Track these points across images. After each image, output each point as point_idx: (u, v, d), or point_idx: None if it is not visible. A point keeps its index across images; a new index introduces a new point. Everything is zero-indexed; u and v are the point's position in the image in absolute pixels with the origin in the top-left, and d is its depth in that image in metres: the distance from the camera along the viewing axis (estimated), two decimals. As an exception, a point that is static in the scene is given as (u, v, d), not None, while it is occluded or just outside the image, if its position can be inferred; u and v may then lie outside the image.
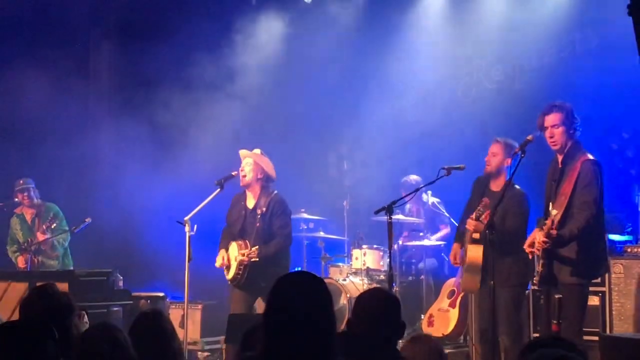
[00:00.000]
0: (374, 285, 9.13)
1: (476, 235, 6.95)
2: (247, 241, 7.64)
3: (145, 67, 10.83)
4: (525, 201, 7.09)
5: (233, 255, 7.66)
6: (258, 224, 7.71)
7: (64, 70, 10.80)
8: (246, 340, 4.01)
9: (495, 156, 7.20)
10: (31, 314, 4.09)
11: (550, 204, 6.45)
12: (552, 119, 6.51)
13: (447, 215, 9.61)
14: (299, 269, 9.69)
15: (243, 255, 7.54)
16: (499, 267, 6.54)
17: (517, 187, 7.07)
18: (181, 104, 10.85)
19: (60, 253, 9.77)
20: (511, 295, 6.85)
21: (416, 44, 10.88)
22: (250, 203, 7.86)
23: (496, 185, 7.17)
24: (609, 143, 9.15)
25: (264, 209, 7.72)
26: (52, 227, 9.56)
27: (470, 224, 6.91)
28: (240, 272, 7.60)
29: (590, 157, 6.43)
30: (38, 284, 7.09)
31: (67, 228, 9.75)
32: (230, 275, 7.70)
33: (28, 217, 9.88)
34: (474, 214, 6.89)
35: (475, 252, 6.97)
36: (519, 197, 7.04)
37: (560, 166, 6.53)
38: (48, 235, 9.57)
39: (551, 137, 6.49)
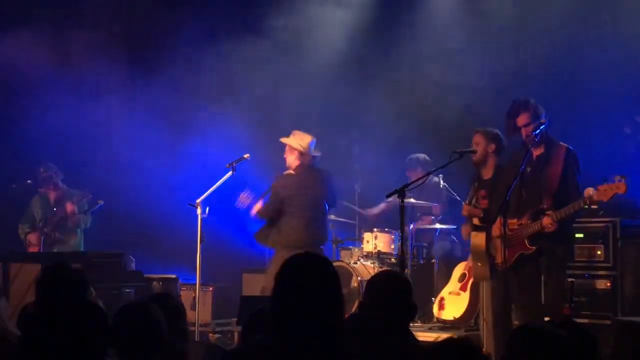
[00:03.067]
0: (385, 268, 9.15)
1: (476, 221, 7.11)
2: None
3: (161, 45, 10.81)
4: None
5: None
6: None
7: (72, 42, 10.71)
8: (251, 324, 4.02)
9: (477, 145, 7.35)
10: (47, 293, 4.11)
11: (523, 191, 6.72)
12: (522, 119, 6.78)
13: (446, 196, 9.73)
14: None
15: None
16: None
17: None
18: (196, 85, 10.83)
19: (79, 234, 9.84)
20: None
21: (427, 29, 10.82)
22: None
23: (485, 173, 7.34)
24: (623, 127, 9.11)
25: None
26: (82, 201, 9.64)
27: (465, 209, 7.08)
28: None
29: (566, 145, 6.78)
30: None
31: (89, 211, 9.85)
32: None
33: (51, 197, 9.94)
34: (467, 198, 7.06)
35: (478, 239, 7.02)
36: None
37: (537, 155, 6.78)
38: (76, 209, 9.65)
39: (527, 136, 6.73)
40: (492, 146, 7.35)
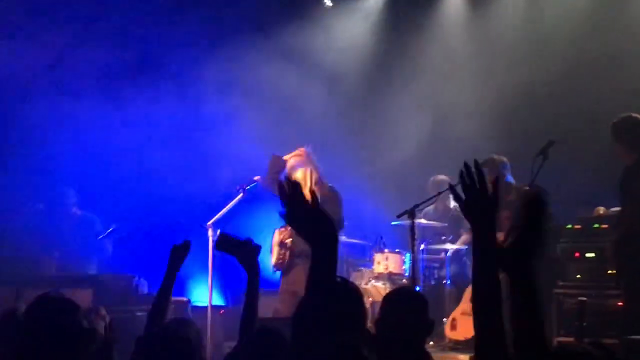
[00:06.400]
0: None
1: None
2: None
3: (168, 61, 10.86)
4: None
5: None
6: None
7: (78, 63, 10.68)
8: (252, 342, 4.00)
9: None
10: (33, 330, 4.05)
11: None
12: None
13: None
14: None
15: None
16: None
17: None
18: (206, 102, 10.83)
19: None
20: None
21: (435, 52, 10.88)
22: None
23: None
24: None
25: None
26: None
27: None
28: None
29: None
30: (63, 290, 7.19)
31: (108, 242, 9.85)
32: None
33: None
34: None
35: None
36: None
37: None
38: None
39: None
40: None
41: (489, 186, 2.57)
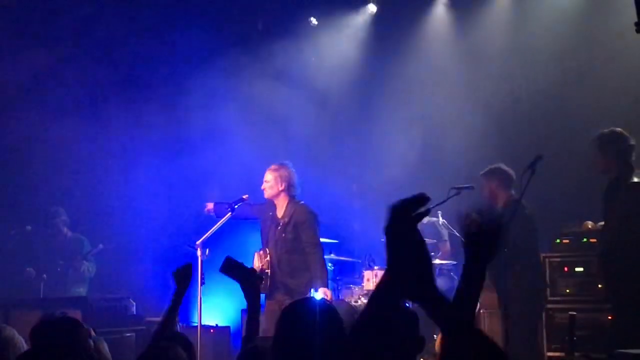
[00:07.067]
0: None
1: None
2: None
3: (158, 80, 10.85)
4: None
5: None
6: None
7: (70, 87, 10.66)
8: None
9: (483, 189, 7.50)
10: (40, 346, 4.02)
11: None
12: None
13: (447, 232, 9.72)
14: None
15: None
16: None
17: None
18: (194, 123, 10.82)
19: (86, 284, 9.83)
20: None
21: (421, 70, 10.90)
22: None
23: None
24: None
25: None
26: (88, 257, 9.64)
27: None
28: None
29: None
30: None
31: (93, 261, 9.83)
32: None
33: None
34: None
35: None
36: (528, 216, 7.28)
37: None
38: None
39: None
40: (494, 183, 7.41)
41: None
